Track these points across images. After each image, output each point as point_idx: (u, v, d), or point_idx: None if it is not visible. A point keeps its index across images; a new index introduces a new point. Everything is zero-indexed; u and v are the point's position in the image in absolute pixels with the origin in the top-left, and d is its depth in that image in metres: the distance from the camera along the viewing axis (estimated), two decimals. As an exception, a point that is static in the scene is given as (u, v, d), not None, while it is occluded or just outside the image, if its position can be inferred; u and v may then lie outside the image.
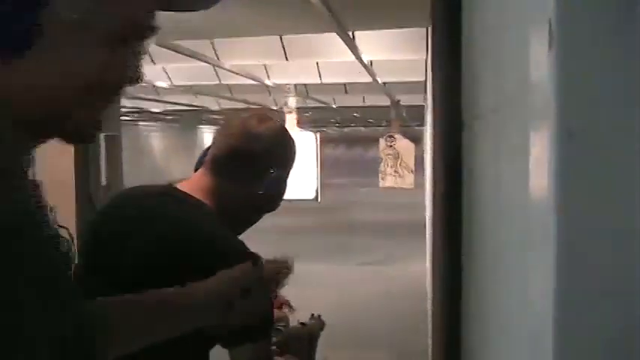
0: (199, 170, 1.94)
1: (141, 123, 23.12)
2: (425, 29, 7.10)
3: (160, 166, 23.95)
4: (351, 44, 6.38)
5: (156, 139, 26.83)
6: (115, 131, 3.22)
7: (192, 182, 1.90)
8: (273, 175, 1.91)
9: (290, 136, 2.03)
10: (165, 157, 26.30)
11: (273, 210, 2.02)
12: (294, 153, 2.02)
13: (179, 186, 1.89)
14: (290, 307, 2.47)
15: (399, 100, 14.22)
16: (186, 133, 29.28)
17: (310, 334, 2.44)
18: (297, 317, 2.40)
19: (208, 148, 1.98)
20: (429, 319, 6.98)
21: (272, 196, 1.96)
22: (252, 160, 1.89)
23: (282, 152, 1.97)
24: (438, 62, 1.64)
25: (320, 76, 10.75)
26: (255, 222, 2.03)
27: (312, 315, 2.51)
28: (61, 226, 2.56)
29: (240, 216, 1.94)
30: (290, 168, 2.00)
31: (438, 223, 1.61)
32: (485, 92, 1.12)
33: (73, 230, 2.76)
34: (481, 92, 1.19)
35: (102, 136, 3.11)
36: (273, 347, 2.03)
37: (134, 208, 1.86)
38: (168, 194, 1.86)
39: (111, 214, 1.91)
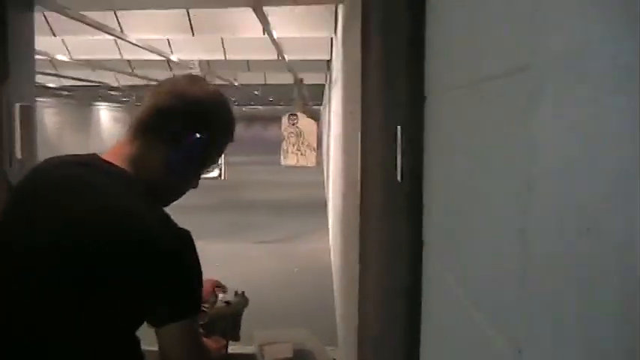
0: (122, 138, 1.81)
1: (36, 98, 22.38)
2: (334, 6, 7.10)
3: (55, 143, 23.24)
4: (264, 19, 6.32)
5: (50, 115, 26.01)
6: (30, 101, 3.09)
7: (117, 150, 1.78)
8: (198, 138, 1.78)
9: (225, 101, 1.89)
10: (59, 134, 25.53)
11: (190, 187, 1.91)
12: (229, 120, 1.89)
13: (104, 155, 1.77)
14: (222, 287, 2.43)
15: (302, 79, 14.22)
16: (81, 109, 28.52)
17: (234, 312, 2.41)
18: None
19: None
20: (335, 295, 7.06)
21: (200, 164, 1.85)
22: (174, 119, 1.76)
23: (211, 115, 1.83)
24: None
25: (224, 53, 10.63)
26: (183, 192, 1.90)
27: (236, 292, 2.48)
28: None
29: (166, 185, 1.81)
30: (224, 135, 1.88)
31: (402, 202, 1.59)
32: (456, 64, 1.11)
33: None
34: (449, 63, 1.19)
35: (17, 106, 2.98)
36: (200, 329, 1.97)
37: (55, 178, 1.74)
38: (89, 164, 1.74)
39: (30, 186, 1.79)
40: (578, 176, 0.63)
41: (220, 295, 2.40)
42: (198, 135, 1.78)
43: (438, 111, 1.37)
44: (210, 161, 1.90)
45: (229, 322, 2.39)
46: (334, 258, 8.23)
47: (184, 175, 1.85)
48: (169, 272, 1.64)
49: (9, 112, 2.97)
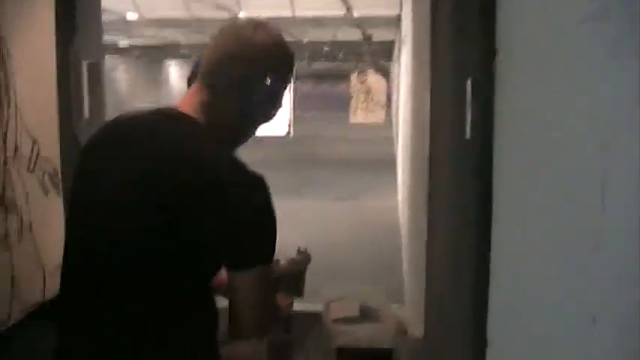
0: (192, 86, 1.83)
1: (107, 56, 22.69)
2: (404, -40, 6.95)
3: (127, 100, 23.58)
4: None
5: (121, 72, 26.36)
6: (98, 59, 3.09)
7: (186, 100, 1.80)
8: (268, 85, 1.80)
9: (287, 45, 1.89)
10: (131, 91, 25.88)
11: (269, 121, 1.92)
12: (292, 63, 1.90)
13: (176, 105, 1.80)
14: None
15: (371, 35, 14.06)
16: (152, 66, 28.81)
17: (298, 269, 2.41)
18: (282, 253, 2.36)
19: (199, 60, 1.88)
20: (403, 253, 7.02)
21: (267, 107, 1.86)
22: (245, 68, 1.77)
23: (277, 61, 1.84)
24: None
25: (293, 10, 10.56)
26: (251, 135, 1.92)
27: (299, 249, 2.48)
28: (45, 159, 2.48)
29: (236, 129, 1.85)
30: (287, 79, 1.88)
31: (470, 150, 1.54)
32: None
33: (57, 164, 2.67)
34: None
35: (85, 63, 2.99)
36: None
37: (128, 131, 1.77)
38: (160, 113, 1.78)
39: (104, 140, 1.81)
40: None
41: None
42: (265, 80, 1.79)
43: (510, 65, 1.30)
44: (277, 103, 1.90)
45: (293, 279, 2.39)
46: (402, 216, 8.18)
47: (254, 118, 1.87)
48: (241, 215, 1.65)
49: (77, 69, 2.98)
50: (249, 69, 1.78)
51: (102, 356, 1.69)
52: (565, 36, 0.89)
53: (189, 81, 1.88)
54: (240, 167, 1.69)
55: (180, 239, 1.62)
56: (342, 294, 4.57)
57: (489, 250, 1.41)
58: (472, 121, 1.55)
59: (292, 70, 1.91)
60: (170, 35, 15.28)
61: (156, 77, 28.90)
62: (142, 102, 24.05)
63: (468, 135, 1.60)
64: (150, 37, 15.15)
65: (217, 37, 1.84)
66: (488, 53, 1.42)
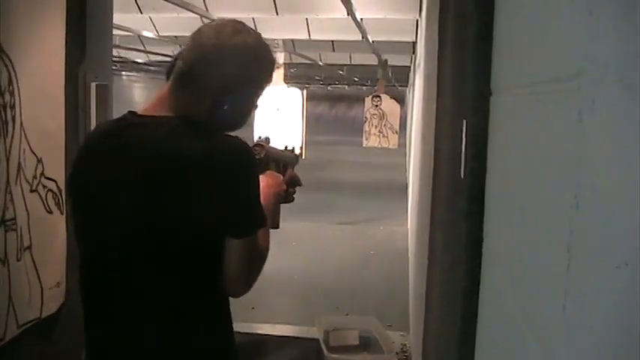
0: (164, 88, 1.85)
1: (124, 73, 22.82)
2: (420, -12, 6.99)
3: (142, 117, 23.67)
4: (346, 0, 6.26)
5: (138, 89, 26.51)
6: (106, 80, 3.12)
7: (159, 101, 1.83)
8: (242, 92, 1.83)
9: (268, 50, 1.91)
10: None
11: (236, 129, 1.93)
12: (271, 70, 1.92)
13: (146, 108, 1.83)
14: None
15: (386, 60, 14.09)
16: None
17: (286, 159, 2.39)
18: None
19: (176, 58, 1.88)
20: (410, 283, 7.00)
21: (237, 114, 1.88)
22: (218, 71, 1.78)
23: (255, 65, 1.85)
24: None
25: (309, 33, 10.61)
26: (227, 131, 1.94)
27: (286, 147, 2.46)
28: (48, 179, 2.51)
29: (211, 127, 1.84)
30: (263, 85, 1.90)
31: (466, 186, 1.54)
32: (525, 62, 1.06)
33: (61, 184, 2.69)
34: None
35: (93, 84, 3.01)
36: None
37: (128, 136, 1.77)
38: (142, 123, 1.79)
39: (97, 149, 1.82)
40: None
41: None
42: (242, 85, 1.83)
43: (501, 108, 1.31)
44: (252, 106, 1.94)
45: (280, 167, 2.37)
46: (411, 243, 8.17)
47: (232, 121, 1.89)
48: (246, 182, 1.74)
49: (85, 90, 3.01)
50: (225, 75, 1.79)
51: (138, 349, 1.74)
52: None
53: (168, 76, 1.88)
54: (230, 143, 1.74)
55: (195, 222, 1.67)
56: (342, 322, 4.57)
57: (477, 291, 1.41)
58: (466, 162, 1.55)
59: (270, 76, 1.92)
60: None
61: (172, 94, 29.04)
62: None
63: (462, 174, 1.61)
64: (167, 54, 15.23)
65: (197, 39, 1.84)
66: (482, 94, 1.43)
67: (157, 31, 10.70)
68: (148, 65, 20.05)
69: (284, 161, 2.36)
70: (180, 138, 1.70)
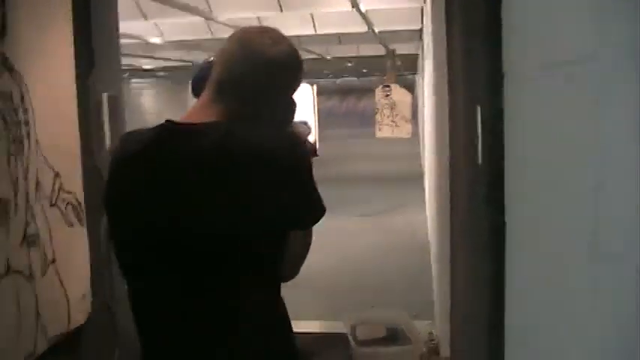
0: (203, 97, 1.86)
1: (133, 80, 22.86)
2: (422, -25, 6.96)
3: (155, 123, 23.72)
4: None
5: (148, 95, 26.57)
6: (117, 89, 3.13)
7: (201, 112, 1.83)
8: (285, 101, 1.91)
9: (300, 58, 1.96)
10: (158, 114, 26.06)
11: (284, 128, 1.97)
12: (302, 74, 1.98)
13: (188, 118, 1.84)
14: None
15: (394, 50, 14.06)
16: (178, 88, 28.98)
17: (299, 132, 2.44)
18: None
19: (206, 66, 1.90)
20: (433, 271, 6.99)
21: (282, 115, 1.94)
22: (268, 86, 1.85)
23: (294, 78, 1.93)
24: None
25: (315, 28, 10.59)
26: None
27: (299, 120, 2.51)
28: (67, 192, 2.51)
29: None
30: (297, 87, 1.97)
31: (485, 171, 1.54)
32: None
33: (80, 196, 2.70)
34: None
35: (104, 96, 3.02)
36: None
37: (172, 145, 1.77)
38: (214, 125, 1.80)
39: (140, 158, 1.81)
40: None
41: None
42: (285, 91, 1.90)
43: (515, 93, 1.30)
44: (294, 105, 1.98)
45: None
46: (431, 230, 8.16)
47: (279, 121, 1.93)
48: (306, 174, 1.78)
49: (96, 102, 3.02)
50: (264, 86, 1.84)
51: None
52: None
53: (197, 86, 1.90)
54: (287, 137, 1.80)
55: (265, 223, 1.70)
56: (368, 315, 4.57)
57: (503, 275, 1.41)
58: (483, 147, 1.54)
59: (301, 80, 1.98)
60: (195, 57, 15.37)
61: (181, 98, 29.12)
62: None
63: (479, 160, 1.60)
64: (175, 59, 15.27)
65: (236, 49, 1.86)
66: (495, 79, 1.42)
67: (162, 36, 10.71)
68: (156, 71, 20.10)
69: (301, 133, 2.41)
70: (238, 139, 1.72)
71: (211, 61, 1.90)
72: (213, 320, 1.75)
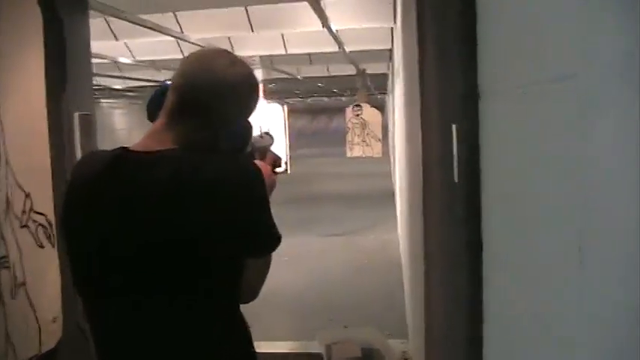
0: (158, 122, 1.82)
1: (103, 100, 22.76)
2: (393, -5, 7.02)
3: (125, 143, 23.63)
4: (321, 13, 6.27)
5: (120, 115, 26.47)
6: (89, 110, 3.10)
7: (156, 135, 1.79)
8: (241, 123, 1.89)
9: (254, 74, 1.94)
10: (129, 134, 25.96)
11: (240, 152, 1.97)
12: (259, 93, 1.97)
13: (144, 142, 1.80)
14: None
15: (364, 69, 14.13)
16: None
17: (264, 145, 2.43)
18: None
19: (160, 90, 1.87)
20: (405, 287, 7.00)
21: (239, 139, 1.93)
22: (224, 107, 1.81)
23: (251, 99, 1.90)
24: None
25: (285, 47, 10.62)
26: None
27: (261, 132, 2.49)
28: (38, 213, 2.48)
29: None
30: (255, 108, 1.95)
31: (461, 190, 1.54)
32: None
33: (51, 217, 2.67)
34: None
35: (76, 115, 3.00)
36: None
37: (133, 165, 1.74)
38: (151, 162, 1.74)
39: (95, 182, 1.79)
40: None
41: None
42: (242, 113, 1.88)
43: (492, 111, 1.30)
44: (250, 128, 1.98)
45: (263, 153, 2.38)
46: (403, 250, 8.17)
47: (235, 145, 1.91)
48: (259, 206, 1.76)
49: (69, 121, 2.99)
50: (223, 107, 1.81)
51: None
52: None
53: (152, 111, 1.87)
54: (240, 166, 1.76)
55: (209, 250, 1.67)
56: (343, 335, 4.55)
57: (481, 296, 1.40)
58: (459, 165, 1.55)
59: (258, 101, 1.96)
60: (165, 77, 15.34)
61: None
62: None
63: (455, 178, 1.60)
64: (144, 79, 15.21)
65: (190, 71, 1.83)
66: (471, 97, 1.43)
67: (133, 56, 10.69)
68: (126, 91, 20.02)
69: (264, 146, 2.39)
70: (189, 170, 1.69)
71: (165, 85, 1.87)
72: (166, 340, 1.73)
